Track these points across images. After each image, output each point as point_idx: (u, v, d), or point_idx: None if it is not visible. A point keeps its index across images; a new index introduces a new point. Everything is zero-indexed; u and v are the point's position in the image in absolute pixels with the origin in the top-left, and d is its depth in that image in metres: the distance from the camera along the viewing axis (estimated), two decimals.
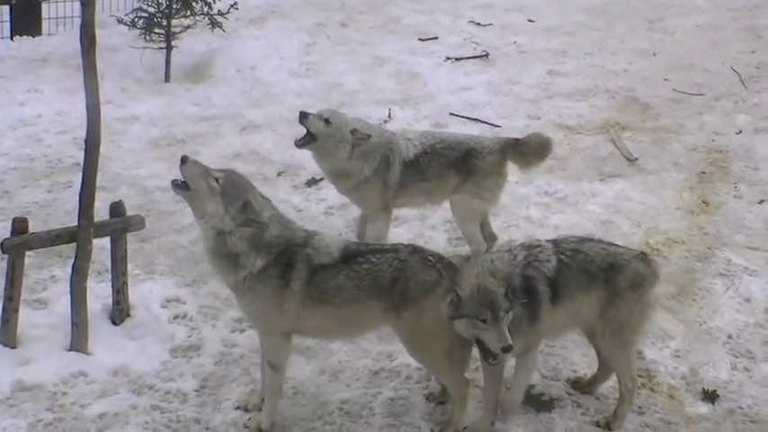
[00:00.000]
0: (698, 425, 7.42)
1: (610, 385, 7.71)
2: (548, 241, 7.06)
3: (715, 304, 8.98)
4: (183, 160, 7.07)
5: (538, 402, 7.43)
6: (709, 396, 7.71)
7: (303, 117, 8.73)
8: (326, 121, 8.66)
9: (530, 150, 9.20)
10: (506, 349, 6.26)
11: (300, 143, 8.82)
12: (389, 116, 12.87)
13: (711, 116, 13.47)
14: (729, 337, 8.51)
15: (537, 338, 6.96)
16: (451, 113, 13.13)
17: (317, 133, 8.67)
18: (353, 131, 8.70)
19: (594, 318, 6.97)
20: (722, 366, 8.11)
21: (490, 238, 9.36)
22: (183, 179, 7.05)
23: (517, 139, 9.33)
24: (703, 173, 11.75)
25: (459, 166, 9.00)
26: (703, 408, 7.62)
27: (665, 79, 14.96)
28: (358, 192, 8.94)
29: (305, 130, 8.76)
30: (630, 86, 14.49)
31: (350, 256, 6.92)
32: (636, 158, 11.98)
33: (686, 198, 11.08)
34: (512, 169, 11.04)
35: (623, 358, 7.10)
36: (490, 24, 17.36)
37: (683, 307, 8.92)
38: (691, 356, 8.21)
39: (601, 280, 6.86)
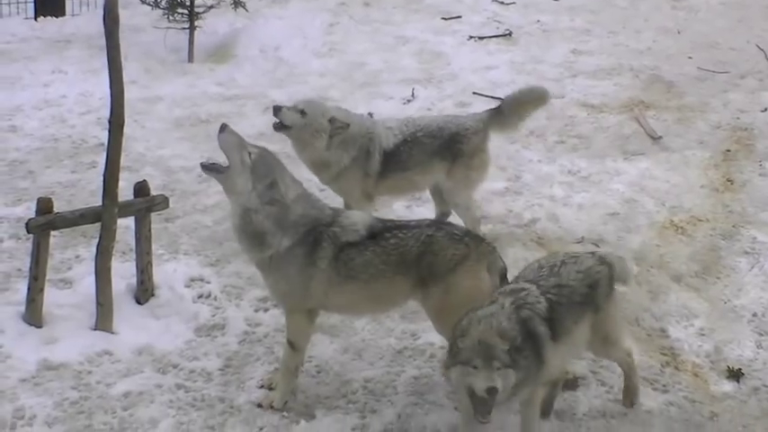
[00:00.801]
0: (722, 403, 7.39)
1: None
2: (527, 282, 6.55)
3: (740, 282, 8.94)
4: (222, 128, 7.08)
5: (562, 380, 7.41)
6: (734, 374, 7.67)
7: (276, 111, 8.63)
8: (302, 113, 8.52)
9: (522, 105, 9.28)
10: (490, 391, 5.86)
11: (277, 126, 8.67)
12: (412, 95, 12.86)
13: (736, 94, 13.41)
14: (754, 315, 8.46)
15: (548, 378, 6.60)
16: (474, 93, 13.10)
17: (291, 124, 8.56)
18: (332, 120, 8.56)
19: (589, 339, 6.75)
20: (747, 344, 8.07)
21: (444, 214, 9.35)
22: (211, 161, 7.07)
23: (497, 108, 9.36)
24: (728, 151, 11.70)
25: (443, 152, 8.93)
26: (728, 386, 7.59)
27: (690, 57, 14.90)
28: (339, 182, 8.83)
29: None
30: (655, 65, 14.43)
31: (377, 233, 6.92)
32: (660, 137, 11.93)
33: (711, 176, 11.03)
34: (535, 149, 11.08)
35: (616, 351, 7.00)
36: (513, 3, 17.34)
37: (708, 285, 8.88)
38: (715, 335, 8.17)
39: (586, 305, 6.60)
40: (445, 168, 8.96)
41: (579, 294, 6.53)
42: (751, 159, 11.51)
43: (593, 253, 7.04)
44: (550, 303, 6.36)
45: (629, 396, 7.17)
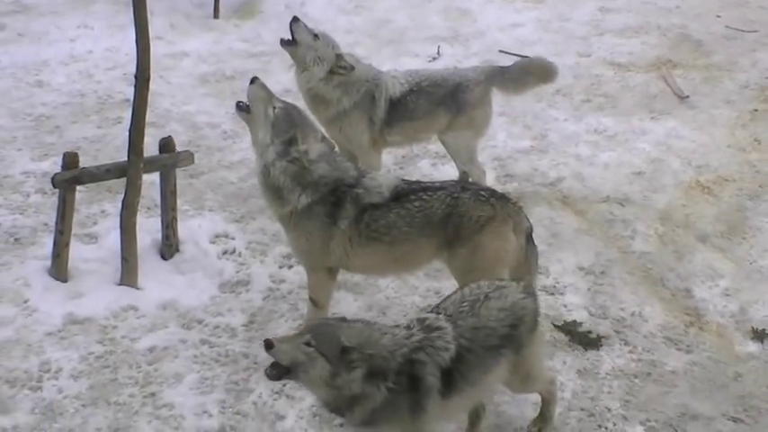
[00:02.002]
0: (747, 364, 7.38)
1: (658, 324, 7.69)
2: (446, 319, 5.87)
3: (765, 243, 8.90)
4: (252, 81, 7.16)
5: (585, 340, 7.42)
6: (759, 335, 7.66)
7: (294, 21, 8.70)
8: (315, 36, 8.58)
9: (529, 75, 9.26)
10: (267, 345, 5.51)
11: (284, 41, 8.71)
12: (438, 53, 12.79)
13: (765, 53, 13.28)
14: None
15: (429, 428, 5.91)
16: (501, 51, 13.00)
17: (300, 40, 8.60)
18: (338, 56, 8.59)
19: (506, 379, 6.15)
20: None
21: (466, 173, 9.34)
22: (247, 103, 7.12)
23: (503, 68, 9.33)
24: (756, 110, 11.61)
25: (447, 102, 8.93)
26: (752, 346, 7.58)
27: (718, 16, 14.73)
28: (340, 125, 8.75)
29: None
30: (683, 23, 14.29)
31: (401, 195, 6.91)
32: (687, 96, 11.84)
33: (738, 136, 10.95)
34: (561, 107, 11.02)
35: (537, 386, 6.42)
36: None
37: (733, 245, 8.84)
38: (740, 295, 8.15)
39: (506, 346, 5.96)
40: (449, 119, 8.97)
41: (498, 337, 5.91)
42: None
43: (518, 281, 6.29)
44: (460, 352, 5.75)
45: (541, 424, 6.62)
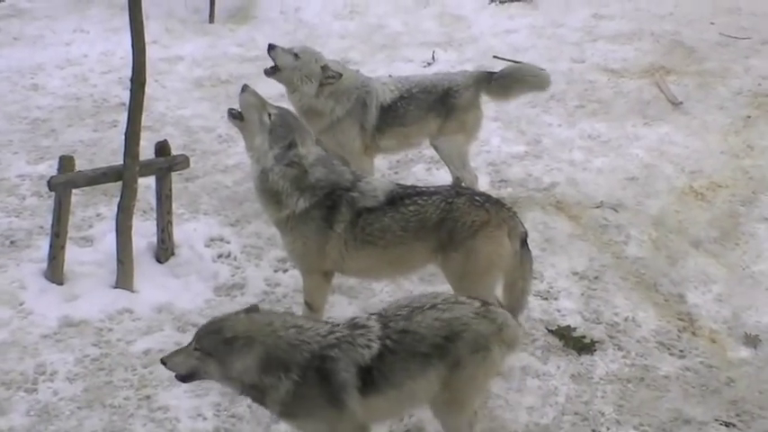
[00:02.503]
0: (739, 369, 7.39)
1: (651, 329, 7.70)
2: (378, 319, 5.87)
3: (758, 249, 8.91)
4: (244, 89, 7.19)
5: (579, 344, 7.43)
6: (752, 340, 7.67)
7: (270, 49, 8.71)
8: (295, 56, 8.59)
9: (518, 82, 9.25)
10: (162, 362, 5.76)
11: (268, 71, 8.75)
12: (433, 58, 12.81)
13: (758, 60, 13.30)
14: None
15: (354, 424, 5.88)
16: (495, 56, 13.01)
17: (282, 66, 8.64)
18: (324, 68, 8.59)
19: (435, 394, 5.95)
20: (765, 311, 8.05)
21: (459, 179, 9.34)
22: (238, 110, 7.14)
23: (491, 73, 9.31)
24: (748, 117, 11.62)
25: (438, 107, 8.96)
26: (745, 352, 7.59)
27: (712, 23, 14.76)
28: (333, 133, 8.75)
29: None
30: (676, 30, 14.31)
31: (396, 199, 6.92)
32: (680, 102, 11.85)
33: (731, 142, 10.96)
34: (555, 113, 11.04)
35: (459, 422, 6.13)
36: None
37: (726, 251, 8.85)
38: (733, 300, 8.16)
39: (437, 357, 5.78)
40: (439, 124, 8.99)
41: (428, 345, 5.77)
42: None
43: (487, 305, 6.05)
44: (384, 351, 5.70)
45: None
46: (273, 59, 8.65)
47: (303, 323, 5.83)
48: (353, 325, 5.82)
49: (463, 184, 8.89)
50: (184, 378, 5.77)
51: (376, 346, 5.70)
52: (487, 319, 5.88)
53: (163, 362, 5.74)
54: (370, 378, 5.67)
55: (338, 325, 5.83)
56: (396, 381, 5.74)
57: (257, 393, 5.69)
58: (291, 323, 5.77)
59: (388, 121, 8.84)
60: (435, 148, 9.25)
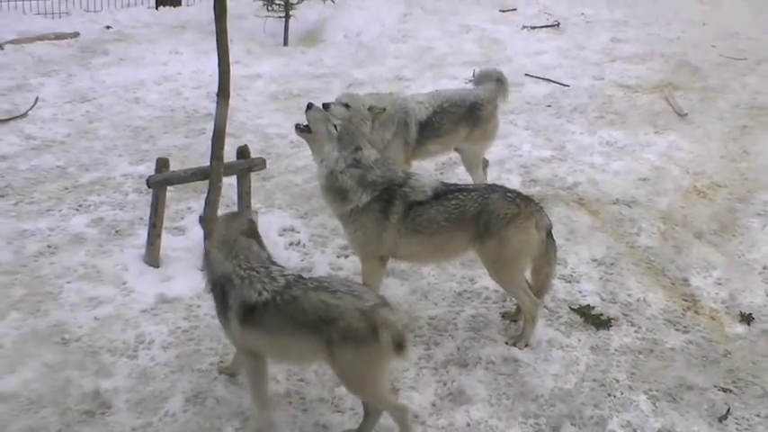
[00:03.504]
0: (735, 343, 7.30)
1: (659, 308, 7.62)
2: (293, 280, 5.77)
3: (753, 239, 8.80)
4: (309, 106, 7.18)
5: (597, 321, 7.36)
6: (746, 318, 7.58)
7: (325, 106, 8.04)
8: (346, 105, 8.34)
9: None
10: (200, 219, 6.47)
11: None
12: (473, 76, 12.75)
13: (753, 77, 13.20)
14: (765, 267, 8.33)
15: (236, 342, 6.07)
16: (527, 74, 12.98)
17: (341, 117, 7.87)
18: (371, 108, 8.44)
19: (315, 362, 6.01)
20: (758, 293, 7.95)
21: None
22: (305, 123, 7.11)
23: (499, 82, 9.31)
24: (745, 126, 11.55)
25: (466, 119, 8.95)
26: (740, 328, 7.49)
27: (713, 46, 14.66)
28: (384, 153, 8.40)
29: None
30: (683, 52, 14.22)
31: (441, 194, 6.90)
32: (686, 114, 11.78)
33: (730, 148, 10.88)
34: (578, 123, 10.96)
35: (362, 396, 5.92)
36: None
37: (725, 241, 8.75)
38: (730, 284, 8.06)
39: (310, 331, 5.57)
40: (467, 133, 9.00)
41: (305, 318, 5.59)
42: (765, 133, 11.36)
43: (379, 306, 5.61)
44: (271, 301, 5.69)
45: None
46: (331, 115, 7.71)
47: (256, 256, 5.94)
48: (268, 271, 5.83)
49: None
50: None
51: (266, 296, 5.71)
52: (365, 317, 5.51)
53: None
54: (251, 316, 5.74)
55: (269, 267, 5.88)
56: (269, 329, 5.72)
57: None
58: (248, 249, 5.96)
59: (426, 134, 8.82)
60: (459, 151, 9.26)
